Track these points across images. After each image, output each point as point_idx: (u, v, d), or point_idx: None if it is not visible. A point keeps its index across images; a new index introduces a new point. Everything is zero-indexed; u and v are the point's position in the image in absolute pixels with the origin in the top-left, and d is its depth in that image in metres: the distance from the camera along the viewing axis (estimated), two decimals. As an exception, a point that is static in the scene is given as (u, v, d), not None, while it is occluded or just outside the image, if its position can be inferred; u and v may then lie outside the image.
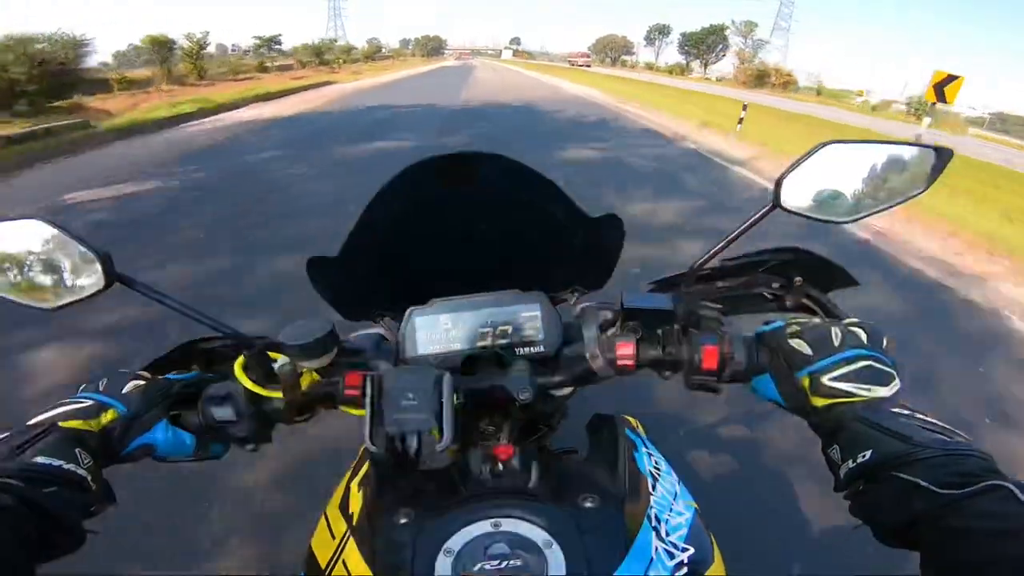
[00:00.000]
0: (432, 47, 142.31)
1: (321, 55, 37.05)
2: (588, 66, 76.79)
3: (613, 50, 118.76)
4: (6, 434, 0.45)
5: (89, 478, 0.45)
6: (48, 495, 0.41)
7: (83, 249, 0.47)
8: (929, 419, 0.45)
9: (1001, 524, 0.35)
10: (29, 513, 0.39)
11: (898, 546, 0.42)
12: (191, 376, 0.60)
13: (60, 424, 0.47)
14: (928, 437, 0.42)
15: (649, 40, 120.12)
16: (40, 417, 0.48)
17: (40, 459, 0.42)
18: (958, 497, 0.37)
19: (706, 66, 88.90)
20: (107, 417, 0.50)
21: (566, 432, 0.74)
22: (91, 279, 0.49)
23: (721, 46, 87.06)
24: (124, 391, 0.53)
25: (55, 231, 0.47)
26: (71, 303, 0.50)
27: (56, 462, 0.43)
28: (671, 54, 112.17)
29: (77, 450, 0.45)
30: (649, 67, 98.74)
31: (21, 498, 0.39)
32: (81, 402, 0.50)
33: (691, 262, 0.57)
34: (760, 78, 57.27)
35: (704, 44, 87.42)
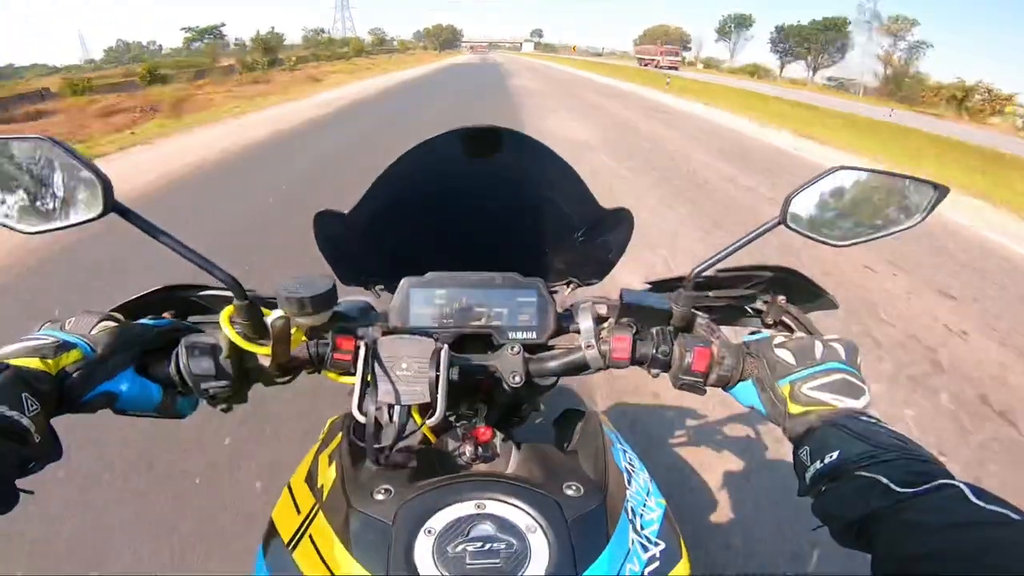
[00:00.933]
0: (445, 39, 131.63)
1: (273, 52, 28.64)
2: (676, 68, 55.04)
3: (665, 45, 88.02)
4: None
5: (33, 428, 0.41)
6: None
7: (86, 173, 0.45)
8: (891, 428, 0.49)
9: (950, 518, 0.39)
10: None
11: (853, 545, 0.45)
12: (165, 323, 0.57)
13: (11, 362, 0.43)
14: (890, 442, 0.46)
15: (723, 34, 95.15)
16: None
17: None
18: (913, 495, 0.41)
19: (814, 70, 68.41)
20: (68, 358, 0.47)
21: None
22: (87, 205, 0.46)
23: (839, 44, 65.87)
24: (92, 331, 0.50)
25: (61, 152, 0.44)
26: (59, 228, 0.47)
27: None
28: (753, 51, 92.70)
29: (24, 395, 0.41)
30: (708, 65, 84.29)
31: None
32: (42, 339, 0.47)
33: (691, 268, 0.58)
34: (908, 88, 42.63)
35: (814, 42, 66.62)
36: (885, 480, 0.43)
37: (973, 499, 0.39)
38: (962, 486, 0.40)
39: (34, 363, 0.45)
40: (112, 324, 0.52)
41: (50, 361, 0.46)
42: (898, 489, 0.42)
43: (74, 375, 0.47)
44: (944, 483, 0.41)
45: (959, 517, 0.38)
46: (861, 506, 0.43)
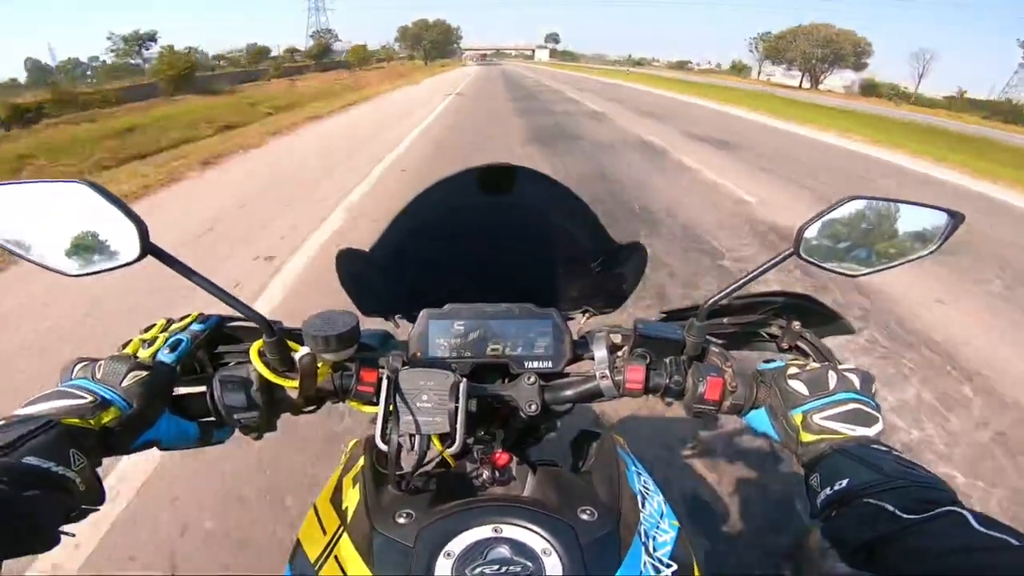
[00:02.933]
0: (433, 42, 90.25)
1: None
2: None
3: (818, 60, 58.52)
4: (1, 423, 0.44)
5: (78, 480, 0.44)
6: (28, 499, 0.39)
7: (122, 217, 0.46)
8: (903, 456, 0.50)
9: (952, 544, 0.40)
10: (4, 516, 0.38)
11: (861, 567, 0.46)
12: (184, 351, 0.58)
13: (61, 421, 0.46)
14: (898, 470, 0.48)
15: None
16: (37, 408, 0.47)
17: (31, 459, 0.41)
18: (917, 521, 0.42)
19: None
20: (108, 416, 0.49)
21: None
22: (124, 249, 0.48)
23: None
24: (124, 383, 0.51)
25: (97, 196, 0.46)
26: (97, 272, 0.50)
27: (46, 464, 0.42)
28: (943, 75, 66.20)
29: (72, 451, 0.44)
30: (903, 96, 50.73)
31: None
32: (80, 395, 0.49)
33: (705, 298, 0.59)
34: None
35: None
36: (891, 507, 0.44)
37: (975, 525, 0.40)
38: (965, 513, 0.41)
39: (78, 422, 0.47)
40: (142, 373, 0.53)
41: (91, 420, 0.48)
42: (904, 516, 0.43)
43: (116, 431, 0.50)
44: (948, 510, 0.42)
45: (961, 542, 0.39)
46: (868, 531, 0.45)
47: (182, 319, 0.63)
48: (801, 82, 63.08)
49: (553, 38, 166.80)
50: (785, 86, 54.51)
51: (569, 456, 0.77)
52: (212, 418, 0.58)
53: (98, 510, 0.48)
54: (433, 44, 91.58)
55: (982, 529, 0.39)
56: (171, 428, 0.56)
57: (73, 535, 0.45)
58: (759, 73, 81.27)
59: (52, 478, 0.42)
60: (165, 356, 0.57)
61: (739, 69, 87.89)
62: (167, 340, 0.58)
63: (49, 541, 0.42)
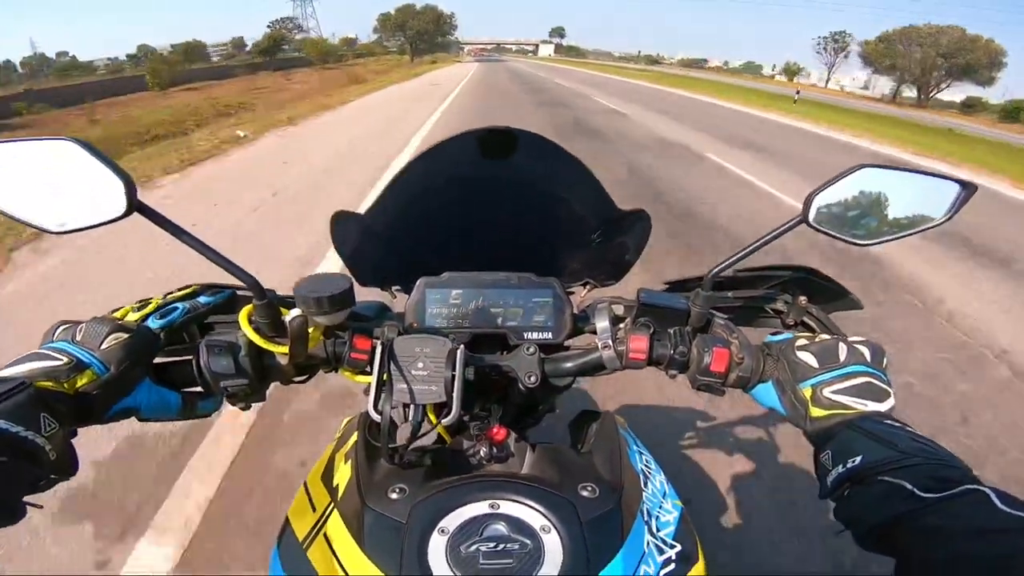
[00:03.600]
0: (419, 33, 70.73)
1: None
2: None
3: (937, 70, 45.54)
4: None
5: (48, 447, 0.41)
6: None
7: (109, 173, 0.45)
8: (917, 432, 0.48)
9: (976, 524, 0.38)
10: None
11: (876, 549, 0.45)
12: (174, 319, 0.57)
13: (34, 384, 0.43)
14: (914, 446, 0.45)
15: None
16: (10, 370, 0.45)
17: None
18: (937, 500, 0.40)
19: None
20: (83, 379, 0.47)
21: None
22: (110, 205, 0.47)
23: None
24: (103, 345, 0.49)
25: (84, 152, 0.45)
26: (83, 228, 0.48)
27: (14, 428, 0.39)
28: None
29: (43, 415, 0.42)
30: None
31: None
32: (56, 358, 0.47)
33: (710, 267, 0.58)
34: None
35: None
36: (909, 485, 0.42)
37: (999, 504, 0.38)
38: (988, 491, 0.39)
39: (51, 384, 0.45)
40: (123, 335, 0.51)
41: (65, 383, 0.46)
42: (922, 494, 0.41)
43: (92, 395, 0.47)
44: (969, 488, 0.40)
45: (984, 523, 0.37)
46: (884, 511, 0.43)
47: (180, 290, 0.62)
48: (896, 94, 51.02)
49: (559, 32, 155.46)
50: (871, 98, 47.33)
51: (568, 438, 0.76)
52: (198, 388, 0.56)
53: (68, 479, 0.46)
54: (420, 35, 70.87)
55: (1006, 509, 0.37)
56: (151, 397, 0.54)
57: (40, 507, 0.42)
58: (827, 80, 73.31)
59: (19, 443, 0.40)
60: (153, 322, 0.55)
61: (793, 72, 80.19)
62: (159, 307, 0.57)
63: (12, 513, 0.39)
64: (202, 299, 0.60)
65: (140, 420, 0.54)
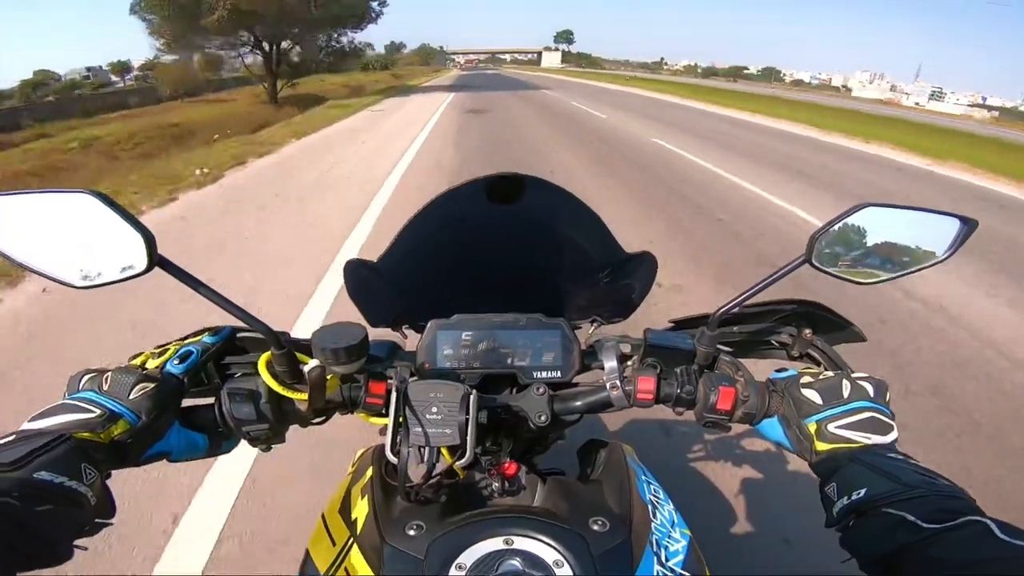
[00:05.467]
0: (295, 57, 20.36)
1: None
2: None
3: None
4: (11, 438, 0.44)
5: (90, 494, 0.44)
6: (40, 514, 0.39)
7: (130, 228, 0.46)
8: (921, 464, 0.49)
9: (976, 555, 0.39)
10: (17, 530, 0.38)
11: None
12: (193, 364, 0.57)
13: (72, 435, 0.45)
14: (917, 479, 0.47)
15: None
16: (45, 422, 0.47)
17: (43, 474, 0.41)
18: (939, 531, 0.41)
19: None
20: (117, 429, 0.49)
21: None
22: (131, 260, 0.48)
23: None
24: (132, 395, 0.51)
25: (104, 207, 0.46)
26: (107, 283, 0.49)
27: (59, 479, 0.41)
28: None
29: (83, 465, 0.44)
30: None
31: (10, 516, 0.37)
32: (89, 409, 0.49)
33: (716, 307, 0.58)
34: None
35: None
36: (911, 517, 0.43)
37: (1000, 535, 0.39)
38: (989, 522, 0.40)
39: (88, 435, 0.47)
40: (149, 385, 0.52)
41: (101, 434, 0.48)
42: (925, 525, 0.42)
43: (126, 443, 0.49)
44: (971, 519, 0.41)
45: (985, 553, 0.39)
46: (888, 542, 0.44)
47: (193, 335, 0.63)
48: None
49: (566, 37, 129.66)
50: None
51: (577, 465, 0.76)
52: (220, 428, 0.58)
53: (111, 524, 0.48)
54: (290, 60, 20.69)
55: (1006, 539, 0.38)
56: (181, 440, 0.56)
57: (86, 548, 0.44)
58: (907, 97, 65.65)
59: (64, 493, 0.42)
60: (174, 367, 0.56)
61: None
62: (177, 351, 0.58)
63: (62, 555, 0.42)
64: (207, 339, 0.61)
65: (171, 461, 0.56)
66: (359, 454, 0.75)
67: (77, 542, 0.43)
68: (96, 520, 0.46)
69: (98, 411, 0.49)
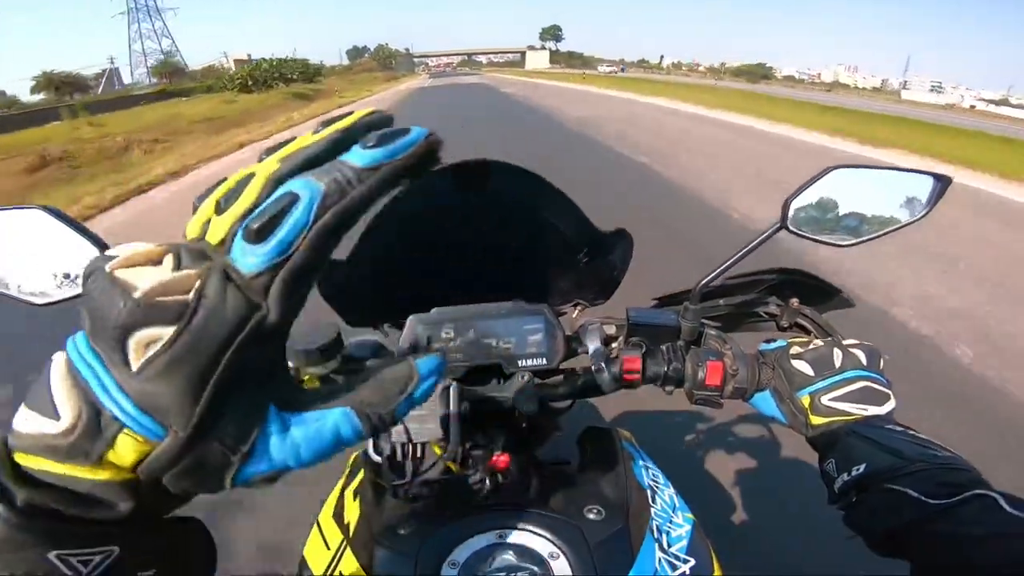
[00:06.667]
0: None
1: None
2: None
3: None
4: None
5: None
6: None
7: (84, 241, 0.45)
8: (920, 435, 0.48)
9: (986, 530, 0.38)
10: None
11: (888, 554, 0.45)
12: None
13: None
14: (918, 451, 0.45)
15: None
16: None
17: None
18: (945, 506, 0.40)
19: None
20: None
21: (554, 442, 0.73)
22: None
23: None
24: None
25: (57, 222, 0.45)
26: (65, 300, 0.48)
27: None
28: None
29: None
30: None
31: None
32: None
33: (697, 280, 0.58)
34: None
35: None
36: (915, 493, 0.42)
37: (1007, 508, 0.38)
38: (996, 495, 0.39)
39: None
40: None
41: None
42: (929, 501, 0.41)
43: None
44: (978, 493, 0.40)
45: (995, 528, 0.38)
46: (893, 519, 0.43)
47: None
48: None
49: (553, 34, 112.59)
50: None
51: (576, 455, 0.75)
52: None
53: None
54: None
55: (1015, 512, 0.38)
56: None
57: None
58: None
59: None
60: None
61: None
62: None
63: None
64: None
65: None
66: (352, 457, 0.74)
67: None
68: None
69: None
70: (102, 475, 0.19)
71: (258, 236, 0.18)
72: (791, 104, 19.22)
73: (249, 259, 0.18)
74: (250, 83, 30.51)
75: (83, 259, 0.46)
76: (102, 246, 0.45)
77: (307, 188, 0.18)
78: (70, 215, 0.45)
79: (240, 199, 0.19)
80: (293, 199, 0.18)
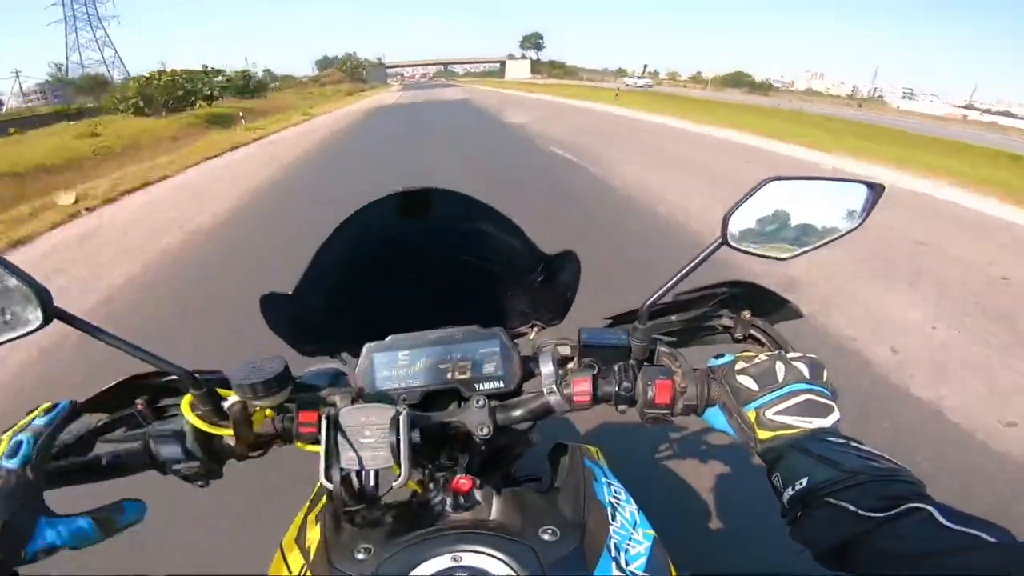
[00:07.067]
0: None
1: None
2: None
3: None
4: None
5: None
6: None
7: (19, 285, 0.44)
8: (863, 446, 0.49)
9: (922, 545, 0.39)
10: None
11: (835, 568, 0.45)
12: (24, 454, 0.49)
13: None
14: (859, 463, 0.46)
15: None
16: None
17: None
18: (882, 520, 0.41)
19: None
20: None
21: (532, 458, 0.74)
22: (27, 316, 0.46)
23: None
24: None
25: None
26: (5, 341, 0.47)
27: None
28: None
29: None
30: None
31: None
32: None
33: (643, 299, 0.58)
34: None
35: None
36: (853, 507, 0.43)
37: (944, 521, 0.39)
38: (931, 509, 0.40)
39: None
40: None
41: None
42: (868, 515, 0.42)
43: None
44: (913, 507, 0.40)
45: (931, 544, 0.38)
46: (835, 533, 0.43)
47: (120, 382, 0.60)
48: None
49: (533, 42, 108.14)
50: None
51: (547, 472, 0.76)
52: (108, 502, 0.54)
53: None
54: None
55: (951, 525, 0.38)
56: (58, 530, 0.49)
57: None
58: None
59: None
60: (7, 463, 0.48)
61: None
62: (3, 451, 0.50)
63: None
64: (38, 421, 0.53)
65: (71, 548, 0.49)
66: (318, 484, 0.73)
67: None
68: None
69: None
70: None
71: None
72: (832, 125, 16.36)
73: None
74: (142, 103, 22.83)
75: (17, 301, 0.45)
76: (36, 288, 0.44)
77: None
78: (5, 258, 0.45)
79: None
80: None
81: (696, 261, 0.55)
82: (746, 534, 1.70)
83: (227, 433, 0.55)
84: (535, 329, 0.73)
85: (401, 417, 0.53)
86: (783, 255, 0.57)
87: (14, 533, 0.46)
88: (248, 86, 32.86)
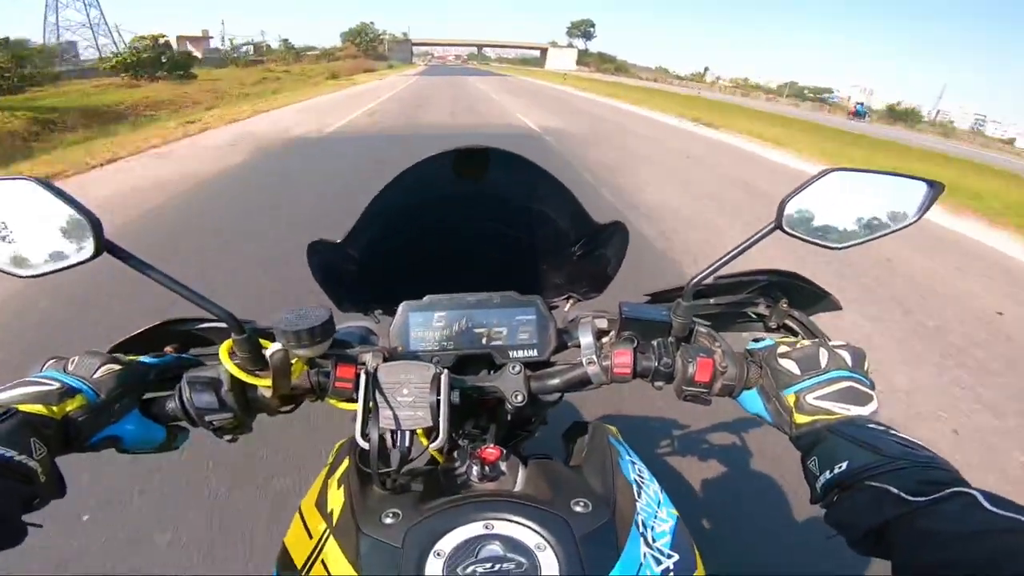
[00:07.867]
0: None
1: None
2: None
3: None
4: None
5: (39, 470, 0.43)
6: None
7: (74, 214, 0.44)
8: (900, 434, 0.49)
9: (965, 527, 0.38)
10: None
11: (870, 553, 0.45)
12: (168, 360, 0.58)
13: (19, 408, 0.45)
14: (899, 450, 0.46)
15: None
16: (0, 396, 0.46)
17: None
18: (925, 503, 0.40)
19: None
20: (72, 404, 0.48)
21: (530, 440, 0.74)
22: (78, 247, 0.46)
23: None
24: (95, 375, 0.51)
25: (46, 193, 0.44)
26: (54, 271, 0.47)
27: (8, 452, 0.41)
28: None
29: (33, 439, 0.43)
30: None
31: None
32: (46, 383, 0.48)
33: (690, 277, 0.58)
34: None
35: None
36: (895, 490, 0.42)
37: (988, 506, 0.38)
38: (976, 493, 0.40)
39: (40, 409, 0.46)
40: (115, 367, 0.52)
41: (55, 407, 0.47)
42: (910, 498, 0.41)
43: (79, 420, 0.48)
44: (958, 491, 0.40)
45: (974, 525, 0.38)
46: (873, 516, 0.43)
47: (154, 326, 0.63)
48: None
49: (583, 30, 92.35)
50: None
51: (562, 450, 0.76)
52: (182, 422, 0.56)
53: (60, 498, 0.47)
54: None
55: (995, 510, 0.38)
56: (138, 428, 0.55)
57: (40, 526, 0.43)
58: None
59: (14, 466, 0.41)
60: (145, 358, 0.56)
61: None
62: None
63: (15, 532, 0.41)
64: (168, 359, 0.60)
65: (120, 451, 0.55)
66: (337, 446, 0.74)
67: (28, 518, 0.43)
68: (45, 495, 0.45)
69: (56, 385, 0.48)
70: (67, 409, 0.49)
71: None
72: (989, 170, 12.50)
73: None
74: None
75: (73, 231, 0.45)
76: (92, 217, 0.44)
77: None
78: (58, 187, 0.45)
79: None
80: None
81: (747, 244, 0.55)
82: (746, 535, 1.70)
83: (263, 384, 0.54)
84: (570, 302, 0.72)
85: (443, 376, 0.52)
86: (836, 244, 0.56)
87: (107, 412, 0.51)
88: (160, 60, 22.53)
